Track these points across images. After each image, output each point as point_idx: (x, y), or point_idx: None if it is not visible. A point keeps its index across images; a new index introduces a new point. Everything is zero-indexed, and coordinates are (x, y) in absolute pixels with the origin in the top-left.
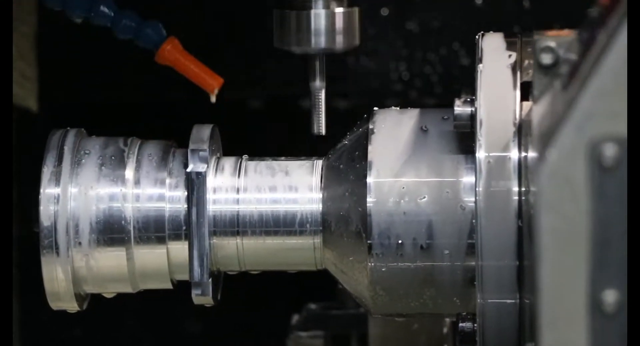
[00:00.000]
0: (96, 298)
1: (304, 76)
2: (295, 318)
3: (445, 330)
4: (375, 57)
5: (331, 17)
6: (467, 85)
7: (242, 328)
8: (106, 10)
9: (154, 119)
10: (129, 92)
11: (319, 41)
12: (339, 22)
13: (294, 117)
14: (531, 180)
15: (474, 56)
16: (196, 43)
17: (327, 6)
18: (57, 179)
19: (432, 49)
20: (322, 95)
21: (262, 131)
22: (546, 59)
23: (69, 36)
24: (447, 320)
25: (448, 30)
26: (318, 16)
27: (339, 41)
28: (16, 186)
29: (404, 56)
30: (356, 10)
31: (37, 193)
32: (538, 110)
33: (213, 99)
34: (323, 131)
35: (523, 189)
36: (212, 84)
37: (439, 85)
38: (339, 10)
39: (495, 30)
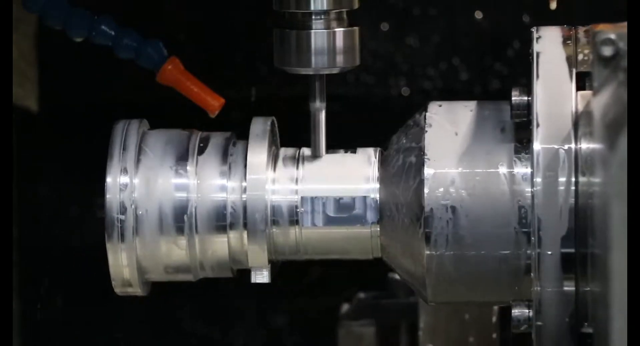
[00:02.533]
0: (96, 298)
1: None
2: (345, 307)
3: (494, 318)
4: (374, 73)
5: (331, 36)
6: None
7: (293, 316)
8: (107, 29)
9: (155, 119)
10: (129, 92)
11: (319, 61)
12: (339, 42)
13: (294, 118)
14: (593, 170)
15: (474, 71)
16: (197, 60)
17: (327, 26)
18: (123, 168)
19: (432, 64)
20: (322, 116)
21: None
22: (607, 51)
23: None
24: (496, 308)
25: (448, 45)
26: (318, 36)
27: (339, 61)
28: (16, 186)
29: (404, 71)
30: (356, 29)
31: (104, 181)
32: (599, 101)
33: (213, 115)
34: (323, 153)
35: (580, 179)
36: (214, 104)
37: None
38: (339, 29)
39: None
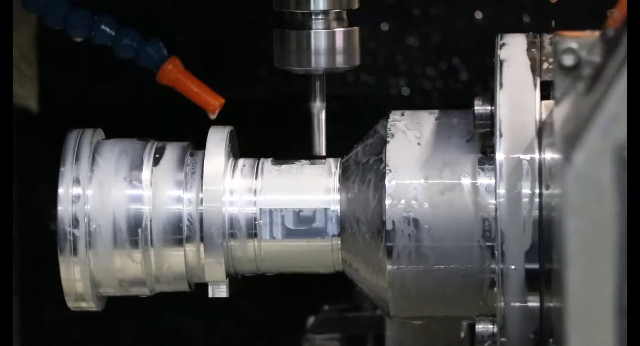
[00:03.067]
0: None
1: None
2: (310, 320)
3: (462, 334)
4: (374, 73)
5: (331, 36)
6: (467, 100)
7: (257, 330)
8: (107, 29)
9: (155, 118)
10: (130, 92)
11: (319, 61)
12: (339, 42)
13: (294, 118)
14: (555, 183)
15: (474, 71)
16: (196, 60)
17: (327, 26)
18: (75, 179)
19: (432, 64)
20: (323, 115)
21: (261, 131)
22: (568, 60)
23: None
24: (464, 323)
25: (448, 45)
26: (318, 36)
27: (339, 61)
28: (16, 186)
29: (404, 71)
30: (356, 29)
31: (55, 192)
32: (560, 112)
33: (213, 117)
34: (323, 152)
35: (544, 191)
36: (214, 104)
37: (439, 100)
38: (339, 29)
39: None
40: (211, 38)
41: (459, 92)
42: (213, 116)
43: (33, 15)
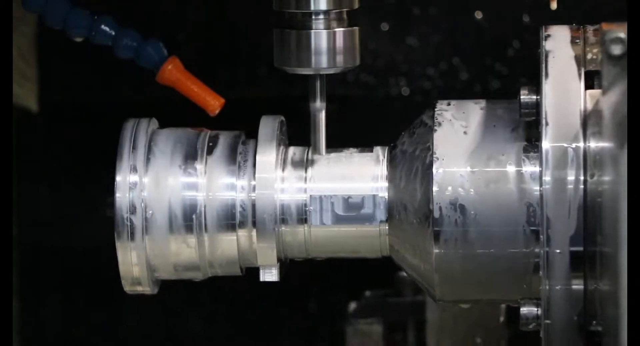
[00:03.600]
0: (96, 298)
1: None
2: (352, 305)
3: (502, 317)
4: (375, 72)
5: (332, 36)
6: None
7: (300, 315)
8: (107, 29)
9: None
10: (130, 92)
11: (320, 61)
12: (340, 42)
13: (294, 118)
14: (602, 169)
15: (474, 71)
16: (197, 60)
17: (327, 26)
18: (132, 167)
19: (432, 64)
20: (323, 115)
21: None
22: (616, 49)
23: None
24: (503, 307)
25: (448, 45)
26: (318, 36)
27: (340, 61)
28: (16, 186)
29: (404, 71)
30: (356, 29)
31: (113, 180)
32: (609, 100)
33: (213, 115)
34: (323, 152)
35: (588, 178)
36: (214, 104)
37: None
38: (340, 29)
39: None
40: (211, 38)
41: (459, 92)
42: (213, 115)
43: (33, 15)
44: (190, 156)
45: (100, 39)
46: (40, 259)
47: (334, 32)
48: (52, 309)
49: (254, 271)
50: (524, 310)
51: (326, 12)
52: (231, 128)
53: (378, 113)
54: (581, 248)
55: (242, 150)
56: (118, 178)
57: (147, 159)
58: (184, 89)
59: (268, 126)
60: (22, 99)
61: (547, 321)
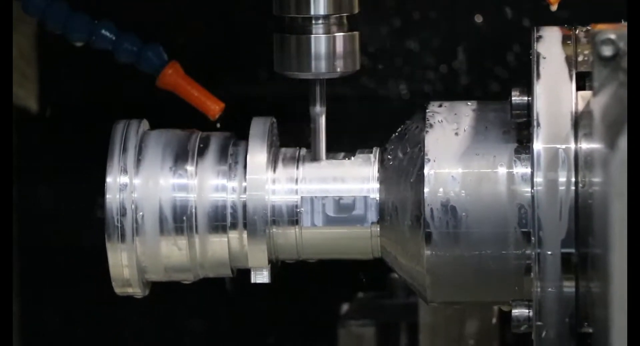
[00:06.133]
0: (96, 298)
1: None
2: (345, 307)
3: (494, 319)
4: (375, 76)
5: (331, 41)
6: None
7: (292, 316)
8: (107, 33)
9: (155, 119)
10: (130, 92)
11: (319, 66)
12: (340, 47)
13: (294, 122)
14: (594, 171)
15: (474, 75)
16: (197, 64)
17: (327, 31)
18: (122, 168)
19: (432, 68)
20: (323, 120)
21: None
22: (607, 50)
23: None
24: (496, 308)
25: (448, 48)
26: (318, 41)
27: (340, 66)
28: (16, 186)
29: (404, 75)
30: (356, 34)
31: (104, 181)
32: (599, 101)
33: (213, 119)
34: (323, 156)
35: (580, 179)
36: (214, 108)
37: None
38: (340, 34)
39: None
40: (211, 43)
41: (460, 96)
42: (214, 119)
43: None
44: (181, 158)
45: (100, 43)
46: (40, 259)
47: (334, 37)
48: (52, 309)
49: (246, 273)
50: (515, 312)
51: (326, 17)
52: (230, 129)
53: (378, 116)
54: (573, 250)
55: (233, 151)
56: (108, 179)
57: (138, 161)
58: (184, 94)
59: (259, 127)
60: (22, 99)
61: (539, 323)
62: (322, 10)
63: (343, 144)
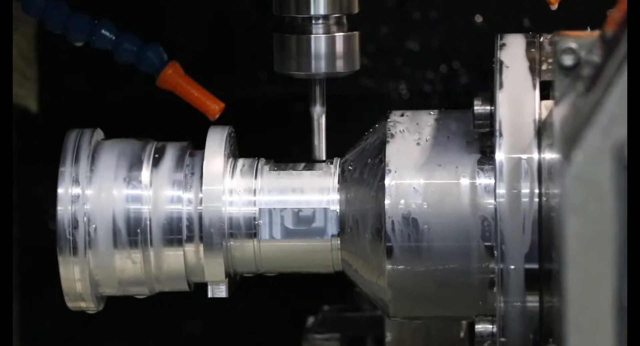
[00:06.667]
0: None
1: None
2: (310, 320)
3: (462, 334)
4: (375, 76)
5: (331, 41)
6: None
7: (257, 330)
8: (107, 33)
9: (155, 119)
10: (130, 92)
11: (319, 65)
12: (339, 47)
13: (294, 123)
14: (554, 182)
15: (474, 75)
16: (197, 64)
17: (327, 30)
18: (74, 179)
19: (432, 68)
20: (323, 120)
21: (261, 135)
22: (567, 60)
23: None
24: (464, 323)
25: (448, 48)
26: (318, 40)
27: (340, 65)
28: (16, 186)
29: (404, 75)
30: (356, 34)
31: (54, 192)
32: (560, 111)
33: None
34: (324, 156)
35: (543, 191)
36: (214, 108)
37: (439, 104)
38: (339, 34)
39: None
40: (211, 43)
41: (459, 96)
42: (213, 120)
43: None
44: (135, 168)
45: (100, 43)
46: (40, 259)
47: (334, 37)
48: (52, 309)
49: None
50: (478, 327)
51: (326, 17)
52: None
53: (378, 115)
54: (536, 265)
55: (189, 162)
56: (60, 191)
57: (91, 171)
58: (184, 94)
59: (216, 137)
60: (22, 99)
61: (502, 339)
62: (322, 10)
63: (343, 144)
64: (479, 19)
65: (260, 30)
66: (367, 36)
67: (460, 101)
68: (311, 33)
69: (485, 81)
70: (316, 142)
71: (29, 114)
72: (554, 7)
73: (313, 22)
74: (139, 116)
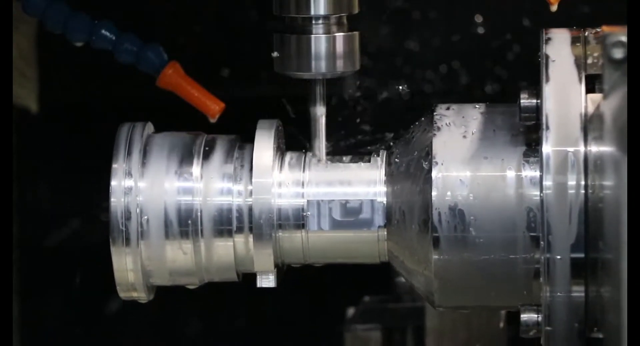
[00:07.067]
0: (96, 298)
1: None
2: (351, 311)
3: (502, 323)
4: (375, 76)
5: (331, 41)
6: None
7: (299, 320)
8: (107, 33)
9: (155, 119)
10: (130, 92)
11: (320, 66)
12: (340, 47)
13: (294, 122)
14: (604, 174)
15: (474, 75)
16: (197, 64)
17: (327, 31)
18: (127, 172)
19: (432, 68)
20: (323, 120)
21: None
22: (617, 53)
23: None
24: (503, 313)
25: (448, 49)
26: (318, 40)
27: (340, 65)
28: (16, 186)
29: (404, 75)
30: (356, 34)
31: (108, 185)
32: (610, 104)
33: (213, 121)
34: (323, 156)
35: (589, 182)
36: (214, 108)
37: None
38: (340, 34)
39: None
40: (211, 42)
41: (460, 96)
42: (213, 120)
43: None
44: (186, 161)
45: (100, 43)
46: (40, 259)
47: (334, 37)
48: (52, 309)
49: (251, 277)
50: (524, 316)
51: (326, 17)
52: (230, 132)
53: (378, 116)
54: (582, 255)
55: (238, 155)
56: (113, 183)
57: (143, 164)
58: (184, 94)
59: (265, 130)
60: (22, 99)
61: (548, 328)
62: (322, 10)
63: (343, 144)
64: (479, 19)
65: (260, 30)
66: (367, 36)
67: (461, 101)
68: (311, 33)
69: (484, 83)
70: (316, 142)
71: (29, 114)
72: (554, 7)
73: (313, 22)
74: (139, 116)
